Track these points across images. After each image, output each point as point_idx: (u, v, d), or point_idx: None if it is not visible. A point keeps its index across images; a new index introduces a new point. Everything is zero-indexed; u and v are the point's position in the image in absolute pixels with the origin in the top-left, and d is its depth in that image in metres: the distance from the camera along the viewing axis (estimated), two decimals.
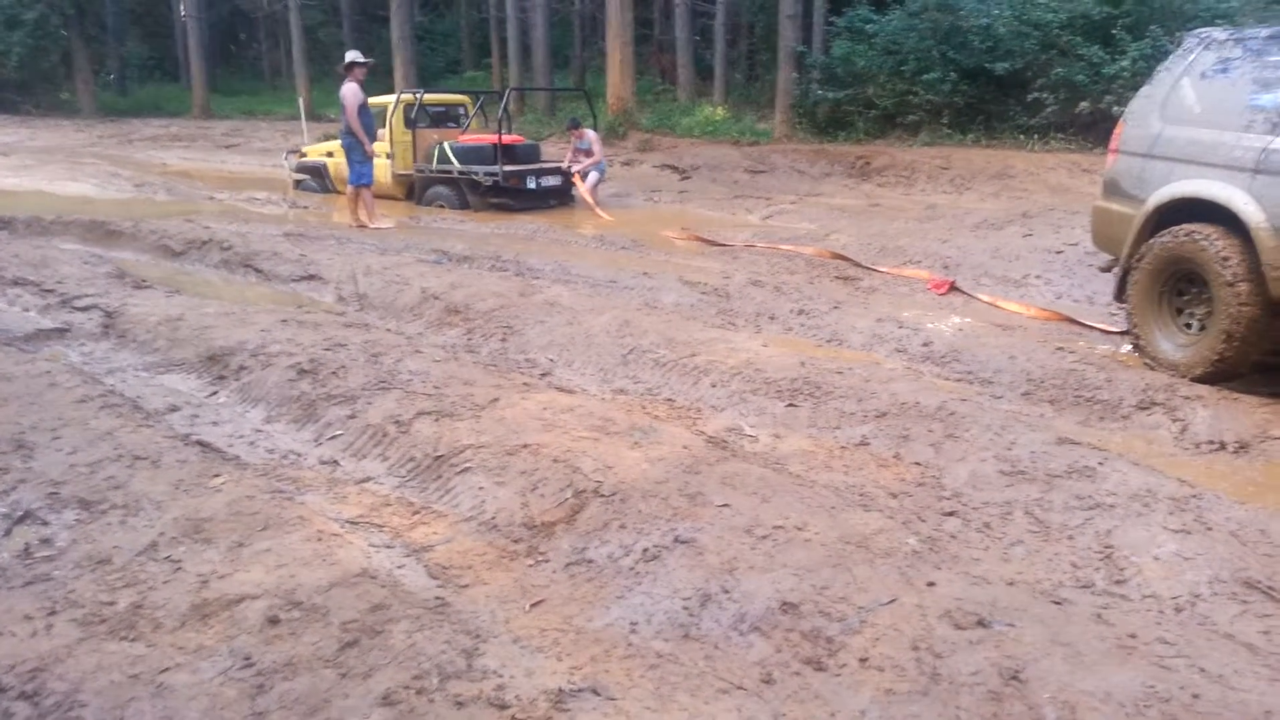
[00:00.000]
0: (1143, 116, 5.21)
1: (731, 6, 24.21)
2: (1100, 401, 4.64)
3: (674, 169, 14.99)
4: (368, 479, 3.77)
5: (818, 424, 4.32)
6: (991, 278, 7.47)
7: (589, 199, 11.90)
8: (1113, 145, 5.42)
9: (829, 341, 5.90)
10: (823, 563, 2.88)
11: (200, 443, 4.03)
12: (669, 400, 4.76)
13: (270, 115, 27.13)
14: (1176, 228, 4.80)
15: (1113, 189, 5.35)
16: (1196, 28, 5.57)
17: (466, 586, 2.95)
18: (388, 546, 3.19)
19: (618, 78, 16.75)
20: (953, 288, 7.29)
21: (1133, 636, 2.49)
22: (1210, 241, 4.59)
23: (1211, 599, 2.78)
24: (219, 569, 2.90)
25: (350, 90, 9.94)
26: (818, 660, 2.48)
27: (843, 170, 14.19)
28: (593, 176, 12.18)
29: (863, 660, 2.45)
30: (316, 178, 13.78)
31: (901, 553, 2.96)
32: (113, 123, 26.40)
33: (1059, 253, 7.70)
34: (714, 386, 4.82)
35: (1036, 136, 13.22)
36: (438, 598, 2.83)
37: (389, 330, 5.82)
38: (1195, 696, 2.24)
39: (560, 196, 12.37)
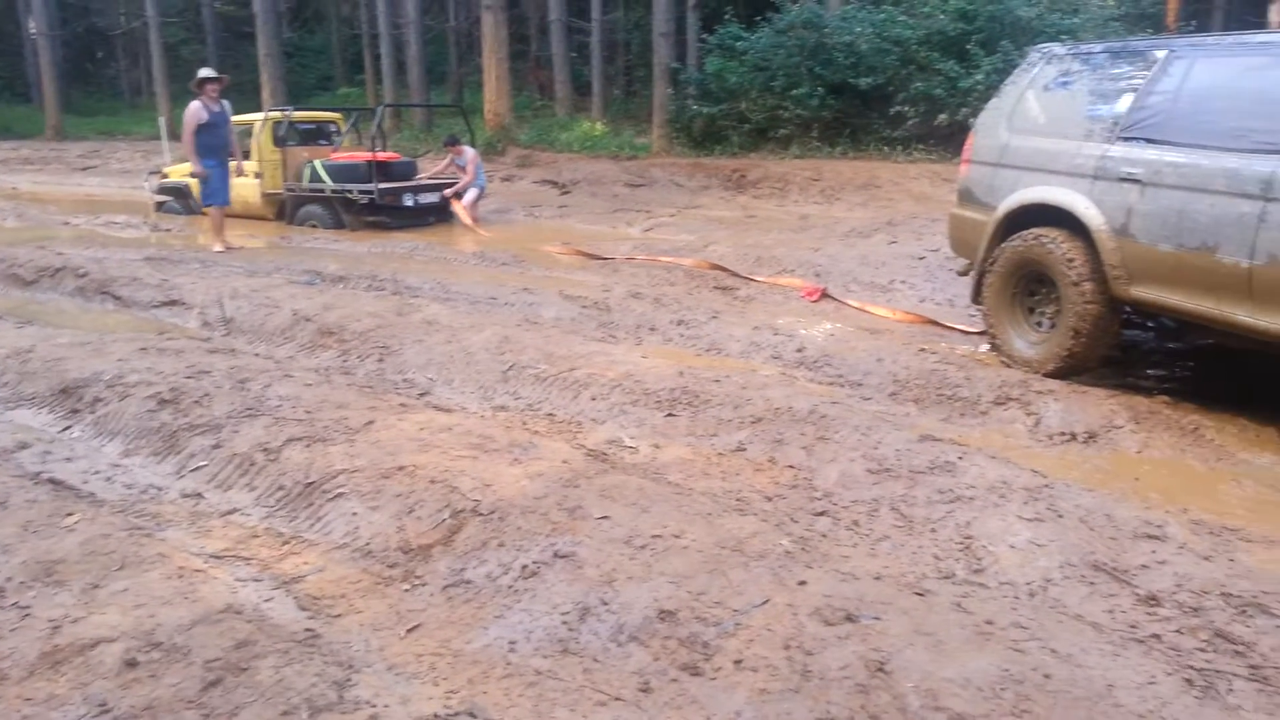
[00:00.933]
0: (991, 128, 5.48)
1: (607, 24, 24.46)
2: (960, 399, 4.85)
3: (554, 184, 15.00)
4: (234, 510, 3.63)
5: (696, 432, 4.38)
6: (860, 284, 7.73)
7: (466, 218, 11.79)
8: (965, 155, 5.69)
9: (708, 351, 5.99)
10: (699, 569, 2.92)
11: (52, 481, 3.82)
12: (550, 415, 4.75)
13: (130, 136, 26.00)
14: (1025, 232, 5.07)
15: (966, 197, 5.62)
16: (1043, 43, 5.90)
17: (339, 616, 2.87)
18: (255, 580, 3.09)
19: (494, 94, 16.67)
20: (824, 295, 7.51)
21: (990, 623, 2.61)
22: (1056, 244, 4.86)
23: (1062, 582, 2.94)
24: (72, 613, 2.75)
25: (191, 109, 9.62)
26: (694, 666, 2.51)
27: (719, 183, 14.46)
28: (471, 194, 12.07)
29: (737, 662, 2.49)
30: (180, 199, 13.22)
31: (775, 554, 3.03)
32: None
33: (921, 259, 8.03)
34: (594, 399, 4.84)
35: (900, 148, 13.78)
36: (308, 629, 2.75)
37: (257, 355, 5.63)
38: (1047, 676, 2.36)
39: (439, 214, 12.21)
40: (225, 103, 9.91)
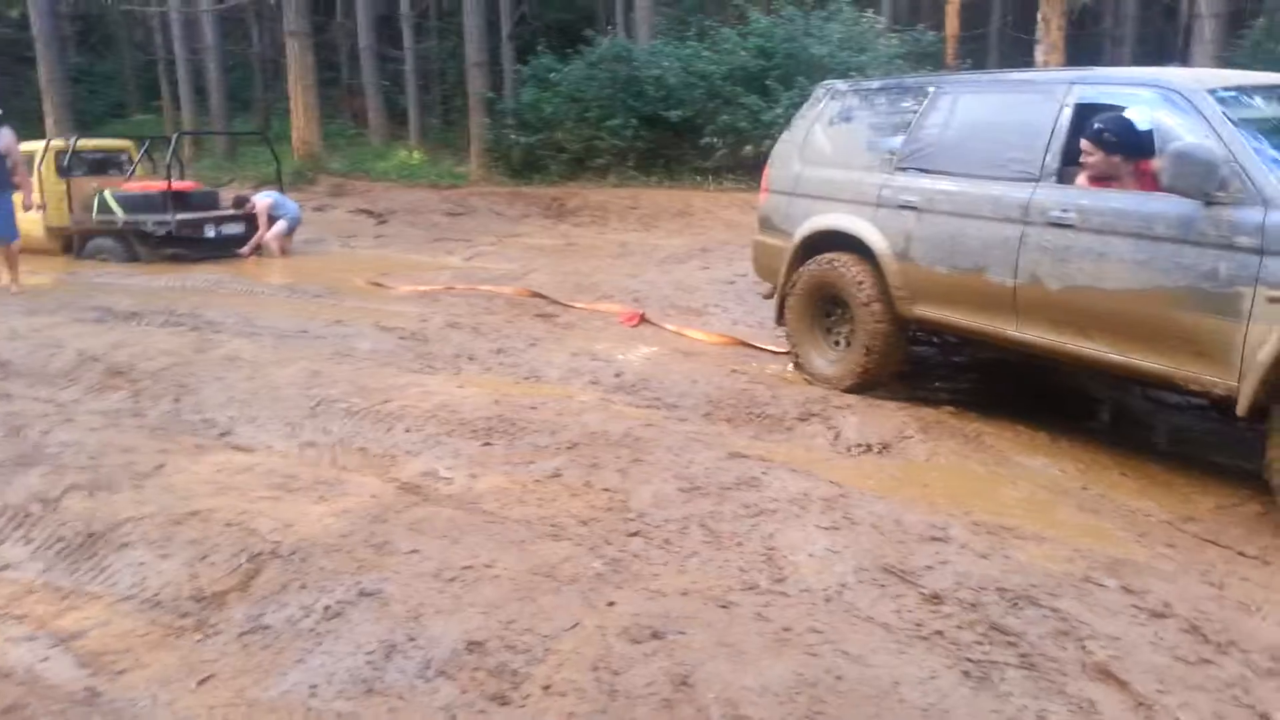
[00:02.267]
0: (785, 159, 5.78)
1: (421, 52, 24.19)
2: (768, 416, 5.06)
3: (370, 213, 14.65)
4: (5, 566, 3.34)
5: (512, 460, 4.36)
6: (676, 308, 7.94)
7: (274, 247, 11.38)
8: (763, 185, 5.97)
9: (527, 378, 5.99)
10: (510, 597, 2.92)
11: None
12: (362, 450, 4.61)
13: None
14: (820, 257, 5.36)
15: (766, 224, 5.89)
16: (833, 79, 6.28)
17: (123, 672, 2.69)
18: (29, 639, 2.85)
19: (302, 121, 16.17)
20: (643, 319, 7.65)
21: (788, 629, 2.74)
22: (847, 268, 5.17)
23: (856, 586, 3.10)
24: None
25: None
26: (502, 695, 2.50)
27: (539, 211, 14.53)
28: (280, 225, 11.63)
29: (546, 688, 2.50)
30: None
31: (586, 577, 3.07)
32: None
33: (732, 283, 8.34)
34: (408, 431, 4.74)
35: (711, 177, 14.30)
36: (87, 688, 2.57)
37: (37, 399, 5.20)
38: (838, 678, 2.49)
39: (244, 244, 11.67)
40: (5, 130, 8.95)
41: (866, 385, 5.23)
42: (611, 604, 2.85)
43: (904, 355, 5.29)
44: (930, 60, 15.68)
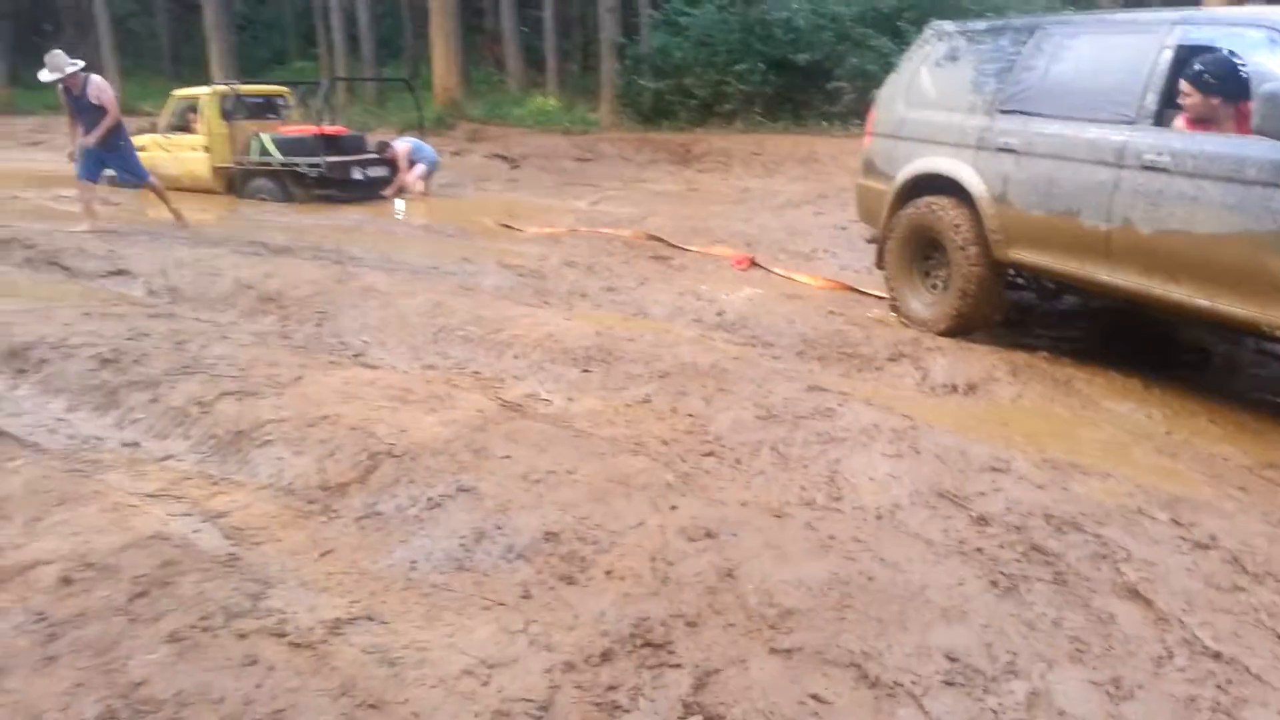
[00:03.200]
0: (890, 102, 5.84)
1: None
2: (859, 356, 5.23)
3: (504, 158, 15.21)
4: (168, 457, 3.91)
5: (608, 386, 4.70)
6: (786, 253, 8.09)
7: (417, 187, 12.04)
8: (868, 129, 6.05)
9: (634, 315, 6.31)
10: (586, 498, 3.26)
11: None
12: (475, 373, 5.04)
13: None
14: (919, 200, 5.43)
15: (869, 168, 5.98)
16: (973, 19, 6.23)
17: (260, 544, 3.17)
18: (185, 515, 3.37)
19: (443, 68, 16.81)
20: (753, 263, 7.85)
21: (832, 538, 2.98)
22: (945, 211, 5.23)
23: (908, 507, 3.31)
24: (14, 541, 3.03)
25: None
26: (570, 576, 2.85)
27: (666, 157, 14.76)
28: (419, 168, 12.28)
29: (608, 573, 2.84)
30: None
31: (656, 486, 3.38)
32: None
33: (844, 229, 8.40)
34: (516, 358, 5.15)
35: (838, 122, 14.16)
36: (230, 554, 3.05)
37: (197, 320, 5.87)
38: (870, 579, 2.73)
39: (387, 186, 12.39)
40: (94, 79, 9.06)
41: (961, 329, 5.31)
42: (674, 508, 3.15)
43: (1000, 300, 5.33)
44: (1085, 3, 14.95)
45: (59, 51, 9.14)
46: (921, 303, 5.56)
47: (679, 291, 6.65)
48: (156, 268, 7.28)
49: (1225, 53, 4.08)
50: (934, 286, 5.52)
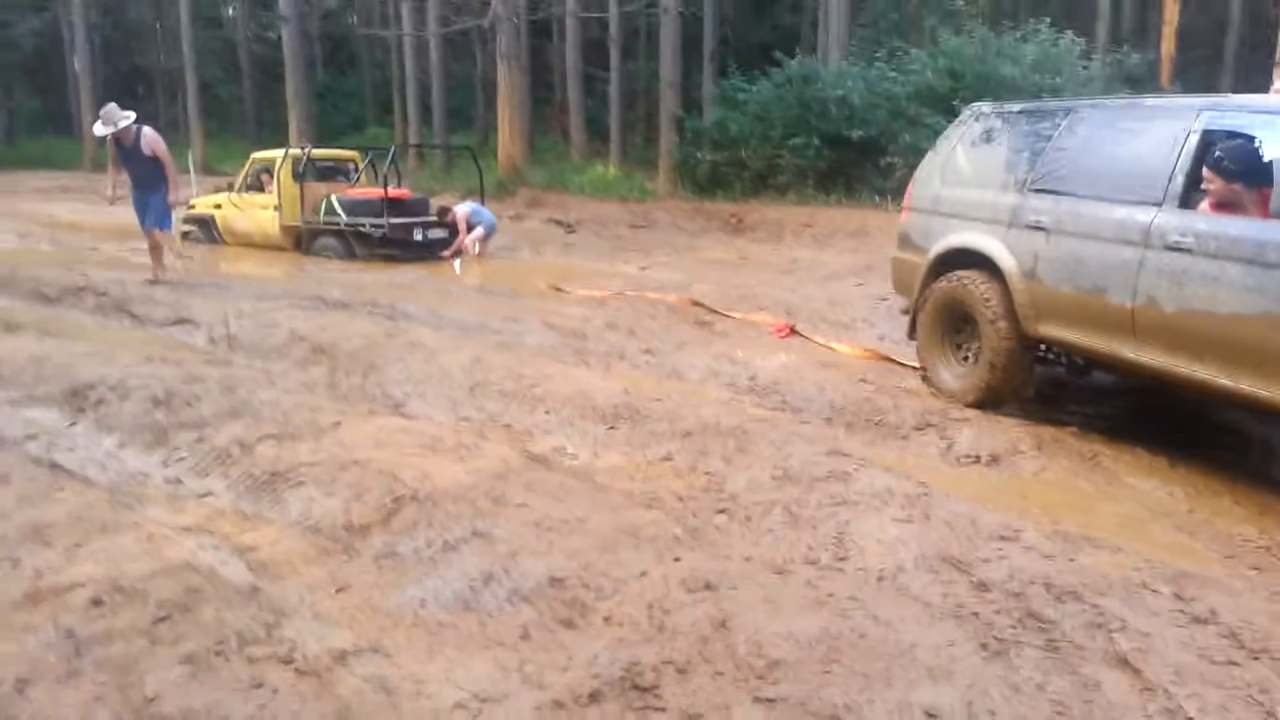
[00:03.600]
0: (927, 179, 5.96)
1: (626, 73, 25.28)
2: (887, 424, 5.27)
3: (560, 224, 15.60)
4: (207, 494, 4.12)
5: (632, 443, 4.82)
6: (826, 322, 8.17)
7: (473, 250, 12.43)
8: (905, 204, 6.16)
9: (668, 377, 6.44)
10: (594, 547, 3.37)
11: (51, 464, 4.32)
12: (507, 425, 5.20)
13: None
14: (952, 274, 5.51)
15: (905, 241, 6.08)
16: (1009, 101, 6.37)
17: (281, 578, 3.33)
18: (215, 547, 3.56)
19: (508, 137, 17.42)
20: (792, 331, 7.95)
21: (830, 595, 3.04)
22: (976, 285, 5.30)
23: (912, 571, 3.34)
24: (54, 564, 3.24)
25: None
26: (570, 620, 2.95)
27: (719, 226, 15.01)
28: (478, 232, 12.69)
29: (606, 619, 2.93)
30: (204, 229, 13.95)
31: (664, 539, 3.47)
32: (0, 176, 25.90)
33: (884, 299, 8.46)
34: (548, 413, 5.30)
35: (890, 197, 14.28)
36: (252, 585, 3.22)
37: (250, 367, 6.15)
38: (861, 636, 2.78)
39: (446, 248, 12.81)
40: (147, 130, 9.44)
41: (990, 401, 5.33)
42: (678, 560, 3.24)
43: (1028, 374, 5.35)
44: (1138, 84, 15.00)
45: (113, 105, 9.58)
46: (952, 374, 5.60)
47: (714, 356, 6.78)
48: (218, 317, 7.64)
49: (1248, 139, 4.13)
50: (965, 359, 5.57)
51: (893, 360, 6.84)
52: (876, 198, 14.50)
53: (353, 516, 3.74)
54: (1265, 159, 4.01)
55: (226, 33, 36.51)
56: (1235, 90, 17.18)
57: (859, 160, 14.96)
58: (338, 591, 3.23)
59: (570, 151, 23.41)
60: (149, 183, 9.47)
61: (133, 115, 9.41)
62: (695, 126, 17.33)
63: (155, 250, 9.66)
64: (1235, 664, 2.72)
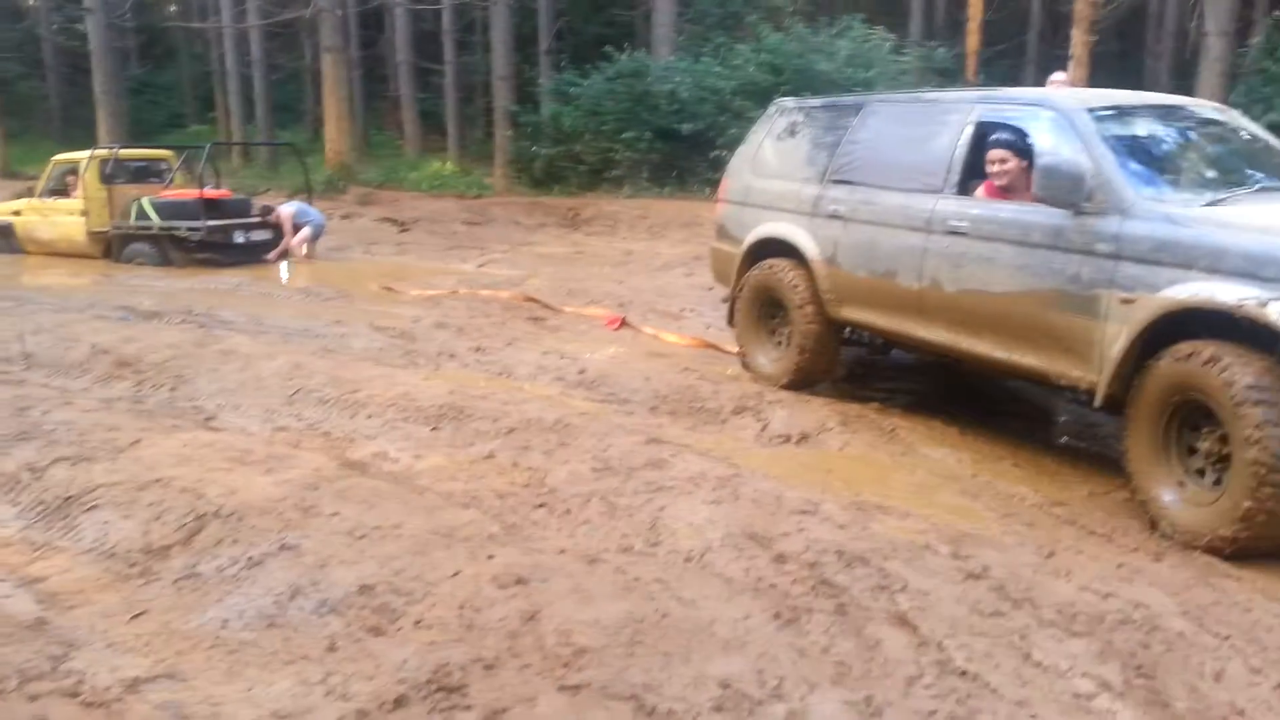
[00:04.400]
0: (739, 171, 6.18)
1: (460, 66, 24.94)
2: (707, 410, 5.45)
3: (393, 222, 15.28)
4: None
5: (455, 443, 4.80)
6: (655, 312, 8.36)
7: (299, 252, 12.03)
8: (720, 195, 6.38)
9: (499, 374, 6.43)
10: (407, 551, 3.36)
11: None
12: (326, 433, 5.08)
13: None
14: (763, 262, 5.74)
15: (721, 232, 6.29)
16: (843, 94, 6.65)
17: (72, 608, 3.16)
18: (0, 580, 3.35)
19: (335, 133, 16.92)
20: (624, 323, 8.08)
21: (637, 580, 3.13)
22: (785, 272, 5.54)
23: (719, 550, 3.47)
24: None
25: None
26: (379, 628, 2.93)
27: (555, 221, 15.05)
28: (305, 232, 12.28)
29: (417, 623, 2.93)
30: (2, 238, 12.96)
31: (480, 538, 3.49)
32: None
33: (710, 289, 8.69)
34: (369, 418, 5.21)
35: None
36: (38, 618, 3.04)
37: (46, 386, 5.78)
38: (664, 616, 2.89)
39: (272, 250, 12.33)
40: None
41: (802, 383, 5.59)
42: (491, 557, 3.27)
43: (835, 355, 5.64)
44: (947, 77, 15.91)
45: None
46: (767, 358, 5.84)
47: (544, 351, 6.82)
48: (13, 333, 7.13)
49: (1019, 128, 4.48)
50: (778, 344, 5.81)
51: (716, 347, 7.07)
52: (707, 190, 14.84)
53: (152, 538, 3.60)
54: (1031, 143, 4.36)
55: (28, 24, 33.80)
56: (1038, 82, 18.50)
57: (690, 153, 15.30)
58: (133, 618, 3.09)
59: (404, 147, 22.93)
60: None
61: None
62: (530, 120, 17.31)
63: None
64: (1001, 614, 2.97)
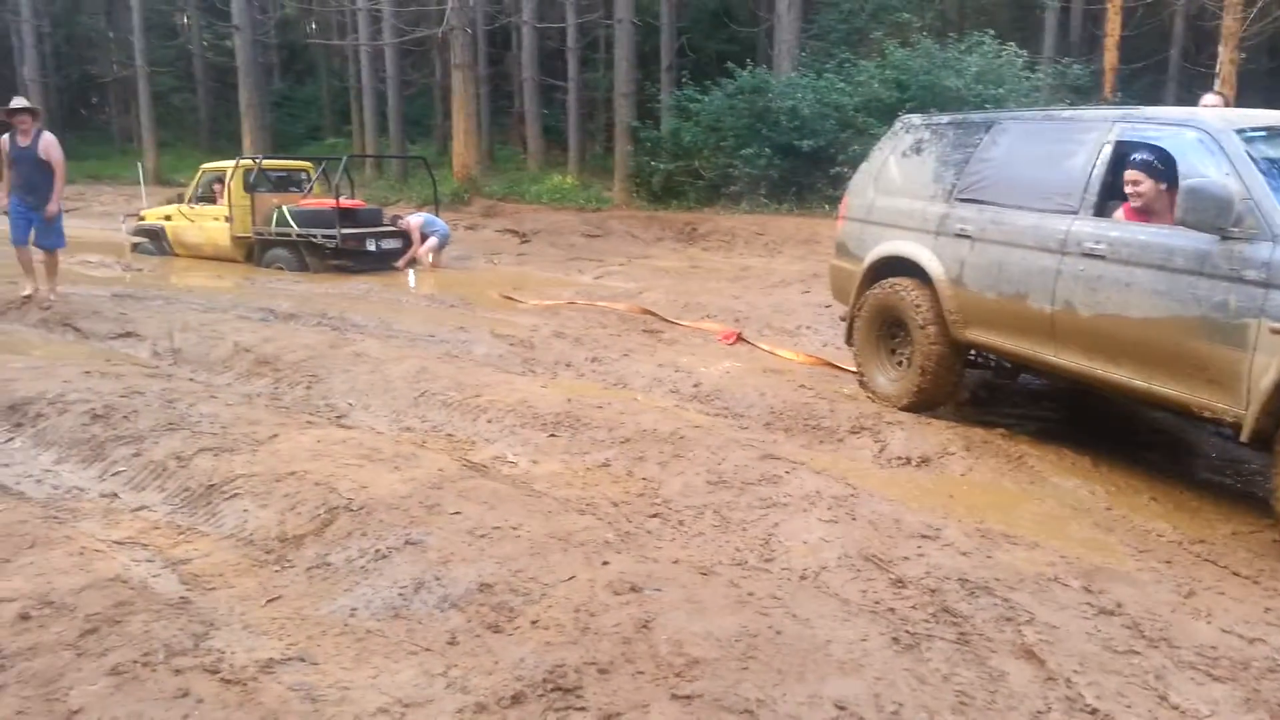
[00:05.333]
0: (862, 189, 6.10)
1: (583, 83, 25.40)
2: (823, 428, 5.39)
3: (515, 233, 15.65)
4: (142, 507, 4.12)
5: (572, 450, 4.89)
6: (772, 329, 8.31)
7: (425, 261, 12.43)
8: (841, 213, 6.30)
9: (615, 384, 6.51)
10: (525, 553, 3.43)
11: None
12: (449, 435, 5.25)
13: (116, 179, 26.67)
14: (885, 281, 5.65)
15: (842, 250, 6.21)
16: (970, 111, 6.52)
17: (213, 589, 3.35)
18: (148, 560, 3.57)
19: (463, 147, 17.44)
20: (739, 338, 8.06)
21: (751, 594, 3.12)
22: (907, 292, 5.44)
23: (835, 569, 3.44)
24: None
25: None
26: (497, 625, 3.00)
27: (673, 235, 15.14)
28: (432, 242, 12.70)
29: (533, 622, 2.99)
30: (154, 240, 13.84)
31: (595, 543, 3.54)
32: None
33: (828, 306, 8.61)
34: (490, 422, 5.35)
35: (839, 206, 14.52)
36: (182, 597, 3.23)
37: (192, 380, 6.13)
38: (778, 633, 2.86)
39: (401, 258, 12.79)
40: (47, 135, 8.70)
41: (923, 405, 5.46)
42: (606, 563, 3.30)
43: (958, 377, 5.49)
44: (1082, 94, 15.36)
45: (18, 97, 9.16)
46: (887, 378, 5.73)
47: (659, 363, 6.86)
48: (163, 330, 7.60)
49: (1161, 148, 4.30)
50: (898, 364, 5.70)
51: (833, 366, 6.98)
52: (827, 207, 14.71)
53: (286, 527, 3.77)
54: (1175, 167, 4.17)
55: (181, 41, 36.10)
56: (1180, 101, 17.64)
57: (810, 170, 15.18)
58: (268, 602, 3.25)
59: (527, 161, 23.46)
60: (35, 189, 8.62)
61: (26, 103, 8.80)
62: (650, 136, 17.48)
63: (51, 266, 9.00)
64: (1135, 653, 2.84)
